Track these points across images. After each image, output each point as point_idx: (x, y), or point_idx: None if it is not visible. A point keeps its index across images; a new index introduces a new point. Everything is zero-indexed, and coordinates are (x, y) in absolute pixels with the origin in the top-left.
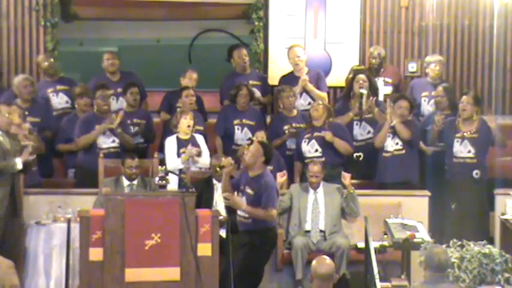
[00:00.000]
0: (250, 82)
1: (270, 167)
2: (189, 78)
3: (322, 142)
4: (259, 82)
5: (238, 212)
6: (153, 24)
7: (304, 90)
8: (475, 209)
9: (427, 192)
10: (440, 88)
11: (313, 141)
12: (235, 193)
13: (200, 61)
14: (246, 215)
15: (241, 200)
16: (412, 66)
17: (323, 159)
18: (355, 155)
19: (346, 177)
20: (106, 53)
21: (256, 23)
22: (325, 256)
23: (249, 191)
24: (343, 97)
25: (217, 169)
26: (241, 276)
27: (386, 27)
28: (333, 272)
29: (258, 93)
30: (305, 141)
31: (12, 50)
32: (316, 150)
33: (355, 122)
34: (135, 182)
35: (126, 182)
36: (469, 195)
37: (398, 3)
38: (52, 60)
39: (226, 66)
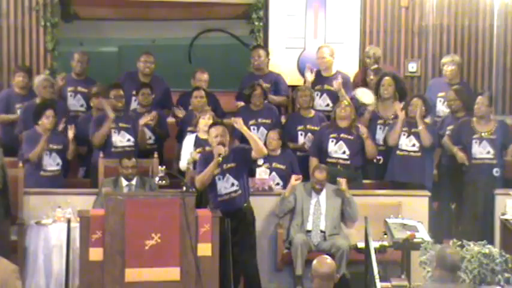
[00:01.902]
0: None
1: (282, 166)
2: (199, 80)
3: (351, 145)
4: (269, 84)
5: (224, 191)
6: (153, 24)
7: (326, 91)
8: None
9: (427, 192)
10: (450, 91)
11: (341, 142)
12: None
13: (200, 61)
14: (236, 188)
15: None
16: (412, 66)
17: (348, 161)
18: (375, 158)
19: (342, 183)
20: (144, 54)
21: (256, 23)
22: (326, 256)
23: (229, 165)
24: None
25: (219, 159)
26: (249, 256)
27: (386, 27)
28: (334, 271)
29: (269, 96)
30: (332, 141)
31: (12, 50)
32: (344, 152)
33: (378, 126)
34: (133, 182)
35: (124, 182)
36: (489, 193)
37: (398, 3)
38: (86, 63)
39: (227, 66)
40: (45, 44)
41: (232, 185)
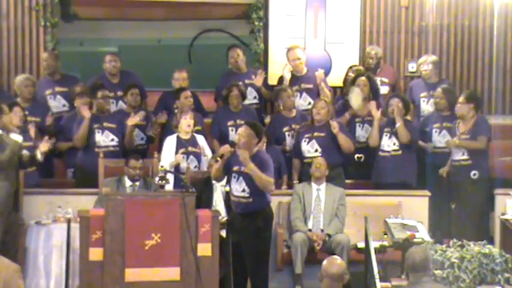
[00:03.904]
0: (246, 81)
1: None
2: (177, 79)
3: (322, 142)
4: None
5: (235, 193)
6: (153, 24)
7: (304, 90)
8: (475, 209)
9: (427, 192)
10: (439, 89)
11: (313, 141)
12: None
13: (200, 61)
14: (246, 195)
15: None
16: (412, 66)
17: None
18: (356, 156)
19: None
20: (108, 55)
21: (256, 23)
22: (335, 256)
23: (247, 170)
24: (342, 97)
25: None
26: (256, 263)
27: (386, 27)
28: (344, 272)
29: (259, 83)
30: (305, 141)
31: (12, 50)
32: (316, 150)
33: (357, 124)
34: (137, 183)
35: (128, 183)
36: (469, 195)
37: (398, 3)
38: (54, 60)
39: (226, 66)
40: (45, 44)
41: (243, 190)
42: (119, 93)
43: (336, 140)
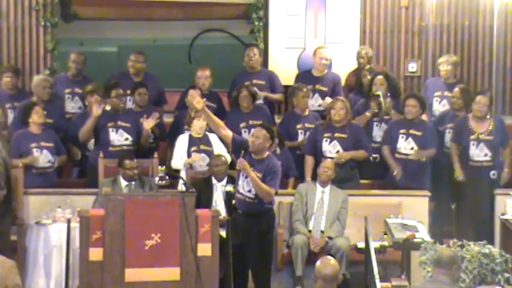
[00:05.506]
0: (254, 81)
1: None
2: (200, 77)
3: (346, 144)
4: (263, 82)
5: (241, 191)
6: (153, 24)
7: (318, 91)
8: (487, 208)
9: (427, 192)
10: (457, 89)
11: (335, 142)
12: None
13: (200, 61)
14: (252, 195)
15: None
16: (412, 66)
17: (343, 160)
18: (372, 156)
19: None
20: (133, 54)
21: (256, 23)
22: (329, 257)
23: (256, 173)
24: (362, 97)
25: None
26: (260, 265)
27: (386, 27)
28: (338, 272)
29: (263, 93)
30: (326, 141)
31: (12, 50)
32: (338, 152)
33: (374, 123)
34: (133, 182)
35: (124, 183)
36: (485, 195)
37: (398, 3)
38: (82, 64)
39: (227, 66)
40: (45, 44)
41: (249, 191)
42: None
43: (355, 141)
